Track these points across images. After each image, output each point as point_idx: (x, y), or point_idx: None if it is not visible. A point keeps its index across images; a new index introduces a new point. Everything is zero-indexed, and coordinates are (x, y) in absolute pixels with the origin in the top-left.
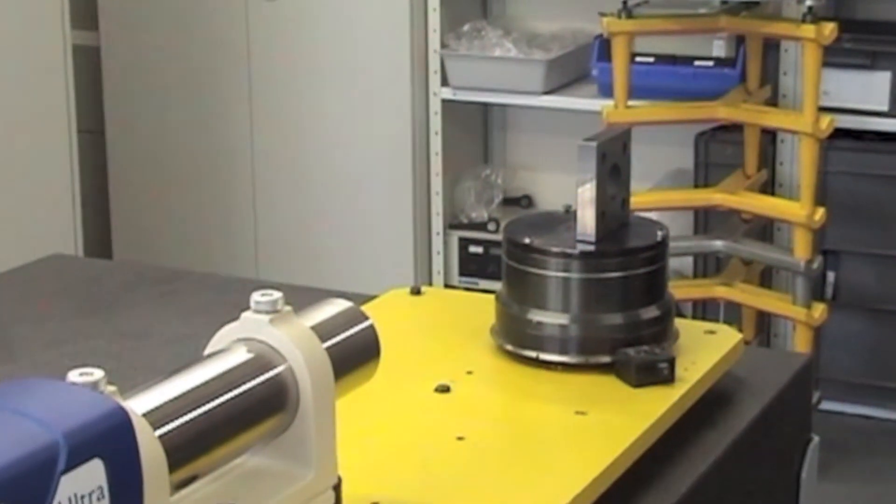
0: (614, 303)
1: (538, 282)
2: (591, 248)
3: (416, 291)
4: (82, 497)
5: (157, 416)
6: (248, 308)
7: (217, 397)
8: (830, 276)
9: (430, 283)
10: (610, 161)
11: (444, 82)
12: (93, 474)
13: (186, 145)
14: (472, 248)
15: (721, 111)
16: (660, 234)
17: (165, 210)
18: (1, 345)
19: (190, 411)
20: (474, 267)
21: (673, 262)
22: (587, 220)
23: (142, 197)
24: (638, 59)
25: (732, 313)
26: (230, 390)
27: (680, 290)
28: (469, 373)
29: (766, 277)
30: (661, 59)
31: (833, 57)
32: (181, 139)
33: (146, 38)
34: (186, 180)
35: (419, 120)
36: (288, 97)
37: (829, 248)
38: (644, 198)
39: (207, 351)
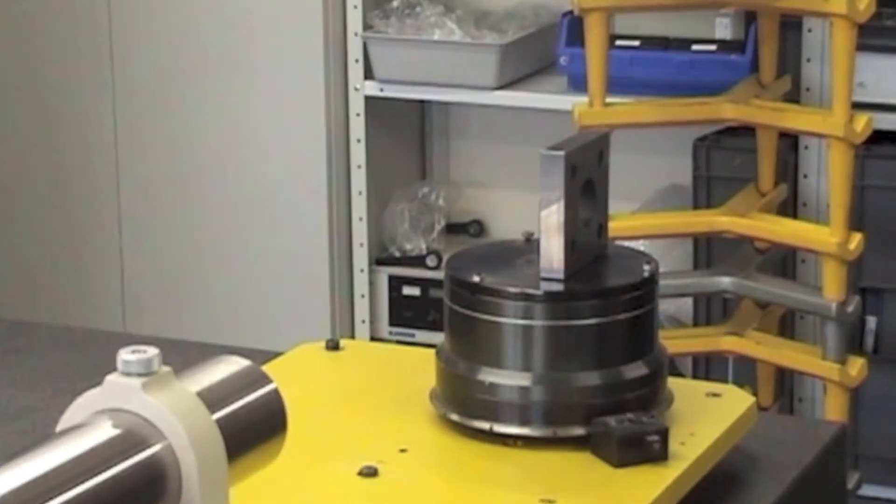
0: (589, 358)
1: (491, 332)
2: (559, 287)
3: (333, 346)
4: None
5: None
6: (113, 370)
7: (73, 487)
8: (871, 321)
9: (353, 336)
10: (582, 175)
11: (369, 75)
12: None
13: (26, 159)
14: (407, 290)
15: (727, 110)
16: (647, 268)
17: (0, 246)
18: None
19: None
20: (409, 314)
21: (666, 306)
22: (553, 252)
23: None
24: (619, 42)
25: (744, 371)
26: (90, 478)
27: (676, 341)
28: (402, 451)
29: (788, 324)
30: (649, 42)
31: (870, 38)
32: (18, 150)
33: None
34: (28, 204)
35: (336, 123)
36: (163, 96)
37: (869, 286)
38: (628, 222)
39: (60, 427)
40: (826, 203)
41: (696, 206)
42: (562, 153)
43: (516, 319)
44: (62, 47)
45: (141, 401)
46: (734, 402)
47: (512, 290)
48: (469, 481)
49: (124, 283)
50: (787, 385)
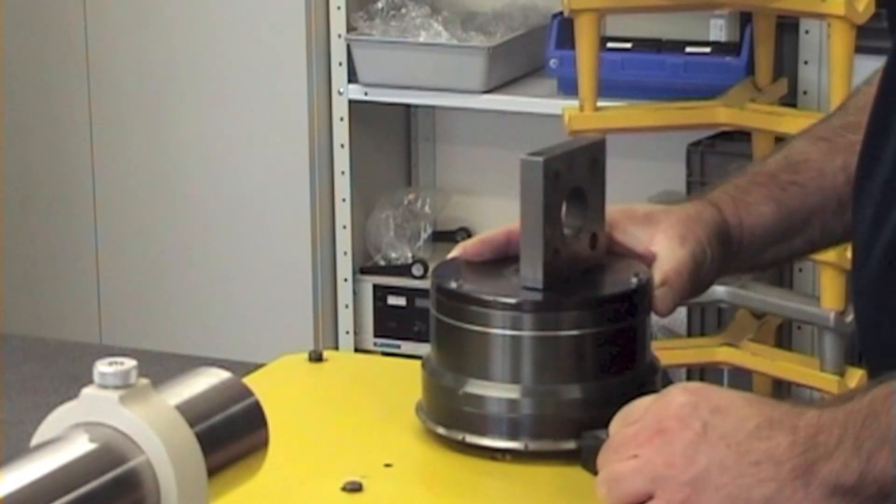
0: (580, 370)
1: (478, 343)
2: (538, 296)
3: (316, 357)
4: None
5: None
6: (89, 382)
7: (49, 503)
8: None
9: (336, 347)
10: (568, 183)
11: (353, 78)
12: None
13: None
14: (392, 300)
15: (721, 114)
16: (635, 280)
17: None
18: None
19: None
20: (394, 324)
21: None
22: (533, 262)
23: None
24: (610, 45)
25: (740, 383)
26: (67, 494)
27: (669, 352)
28: (388, 465)
29: (785, 335)
30: (642, 44)
31: (869, 40)
32: None
33: None
34: (1, 212)
35: (319, 128)
36: (140, 100)
37: None
38: None
39: (35, 441)
40: None
41: None
42: (540, 159)
43: (504, 330)
44: (36, 53)
45: (118, 414)
46: None
47: (498, 300)
48: (456, 497)
49: (100, 294)
50: (783, 397)
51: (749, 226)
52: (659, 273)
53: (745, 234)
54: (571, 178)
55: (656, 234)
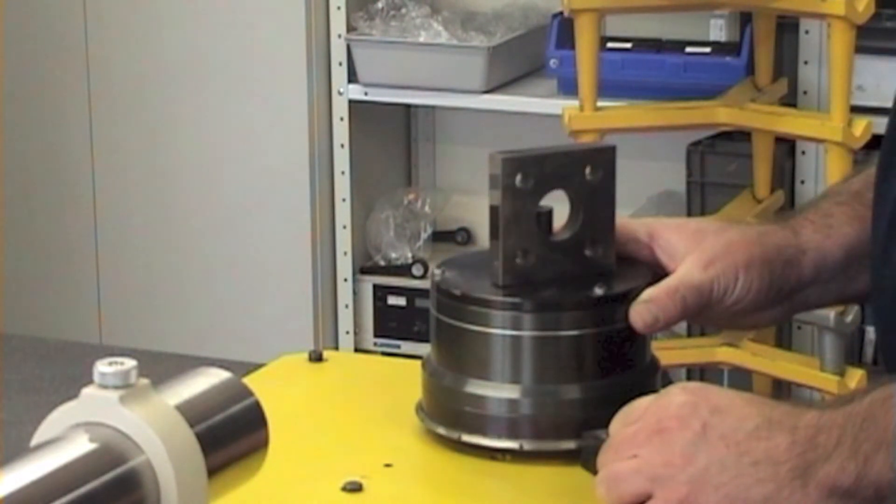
0: (580, 370)
1: (478, 343)
2: (537, 297)
3: (316, 357)
4: None
5: None
6: (89, 382)
7: (49, 503)
8: (870, 332)
9: (336, 347)
10: (550, 185)
11: (353, 78)
12: None
13: None
14: (392, 300)
15: (721, 114)
16: (629, 282)
17: None
18: None
19: None
20: (394, 324)
21: None
22: (495, 259)
23: None
24: (610, 45)
25: (740, 383)
26: (67, 494)
27: (670, 352)
28: (388, 465)
29: (785, 335)
30: (642, 44)
31: (869, 40)
32: None
33: None
34: (1, 212)
35: (319, 128)
36: (140, 100)
37: None
38: None
39: (35, 441)
40: None
41: (689, 214)
42: (500, 157)
43: (503, 330)
44: (36, 53)
45: (118, 414)
46: None
47: (496, 299)
48: (456, 497)
49: (100, 294)
50: (783, 397)
51: (831, 248)
52: (652, 289)
53: (828, 259)
54: (556, 181)
55: (691, 253)
